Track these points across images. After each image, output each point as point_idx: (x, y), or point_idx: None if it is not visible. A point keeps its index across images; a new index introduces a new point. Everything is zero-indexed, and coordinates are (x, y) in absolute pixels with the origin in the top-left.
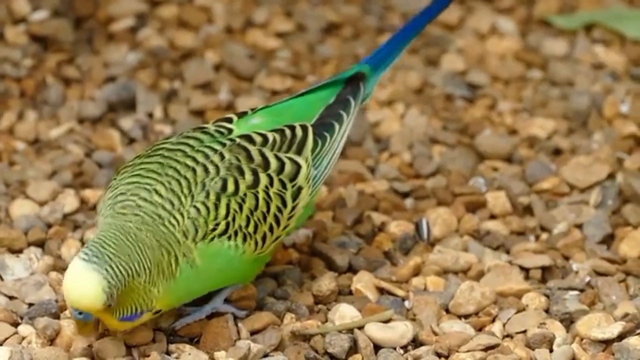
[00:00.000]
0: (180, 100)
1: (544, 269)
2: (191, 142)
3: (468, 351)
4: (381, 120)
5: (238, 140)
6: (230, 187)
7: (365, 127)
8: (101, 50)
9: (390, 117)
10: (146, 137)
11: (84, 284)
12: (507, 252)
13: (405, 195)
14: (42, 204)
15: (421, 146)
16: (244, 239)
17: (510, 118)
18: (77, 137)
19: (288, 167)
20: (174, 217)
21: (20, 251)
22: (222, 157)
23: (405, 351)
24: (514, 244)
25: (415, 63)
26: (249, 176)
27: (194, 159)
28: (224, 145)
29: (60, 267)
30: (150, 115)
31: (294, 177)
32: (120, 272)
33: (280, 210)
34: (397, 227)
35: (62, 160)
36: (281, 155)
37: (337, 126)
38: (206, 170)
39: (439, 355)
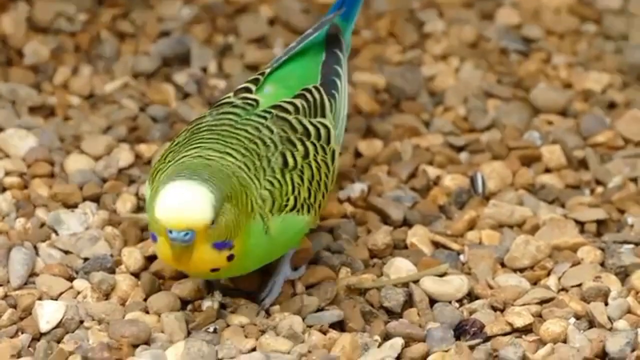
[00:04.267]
0: (234, 55)
1: (599, 223)
2: (231, 117)
3: (523, 305)
4: (436, 75)
5: (274, 111)
6: (290, 162)
7: (420, 81)
8: (155, 4)
9: (445, 71)
10: (200, 92)
11: (193, 198)
12: (562, 205)
13: (460, 149)
14: (97, 158)
15: (476, 100)
16: (308, 210)
17: (565, 72)
18: (132, 91)
19: (322, 131)
20: (251, 178)
21: (75, 206)
22: (271, 130)
23: (461, 305)
24: (569, 198)
25: (470, 17)
26: (300, 147)
27: (248, 132)
28: (264, 118)
29: (115, 221)
30: (205, 70)
31: (328, 141)
32: (219, 189)
33: (327, 176)
34: (452, 181)
35: (117, 114)
36: (313, 121)
37: (339, 82)
38: (265, 144)
39: (494, 308)
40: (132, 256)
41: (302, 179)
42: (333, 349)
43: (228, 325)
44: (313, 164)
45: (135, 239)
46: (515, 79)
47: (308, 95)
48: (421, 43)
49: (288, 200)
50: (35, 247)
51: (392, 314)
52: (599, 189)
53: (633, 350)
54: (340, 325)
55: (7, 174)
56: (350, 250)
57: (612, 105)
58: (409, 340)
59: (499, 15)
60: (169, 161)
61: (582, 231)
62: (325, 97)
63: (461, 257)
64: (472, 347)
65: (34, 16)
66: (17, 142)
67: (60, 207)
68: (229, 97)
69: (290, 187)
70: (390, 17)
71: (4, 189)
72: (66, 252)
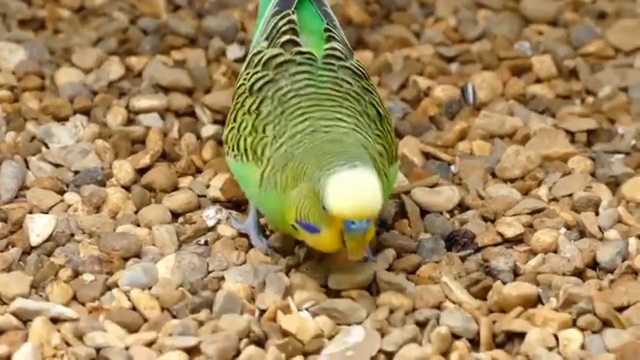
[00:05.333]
0: None
1: (590, 132)
2: (306, 77)
3: (514, 215)
4: None
5: (335, 62)
6: (381, 110)
7: None
8: None
9: None
10: (191, 4)
11: (373, 187)
12: (553, 115)
13: (450, 59)
14: (87, 71)
15: (466, 11)
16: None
17: None
18: (122, 4)
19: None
20: (367, 139)
21: (65, 119)
22: (349, 82)
23: (452, 215)
24: (560, 108)
25: None
26: (374, 93)
27: (335, 90)
28: (333, 71)
29: (106, 134)
30: None
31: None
32: (374, 168)
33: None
34: (443, 91)
35: (107, 27)
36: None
37: (330, 11)
38: (355, 99)
39: (485, 219)
40: (123, 169)
41: (389, 125)
42: (323, 262)
43: (219, 238)
44: (383, 107)
45: (125, 151)
46: None
47: (336, 36)
48: None
49: (393, 149)
50: (25, 161)
51: (383, 226)
52: (590, 99)
53: (624, 260)
54: None
55: None
56: None
57: (602, 15)
58: (400, 252)
59: None
60: (276, 136)
61: (572, 141)
62: (340, 32)
63: (452, 167)
64: (463, 258)
65: None
66: (7, 56)
67: (51, 120)
68: (281, 53)
69: (389, 136)
70: None
71: None
72: (57, 166)
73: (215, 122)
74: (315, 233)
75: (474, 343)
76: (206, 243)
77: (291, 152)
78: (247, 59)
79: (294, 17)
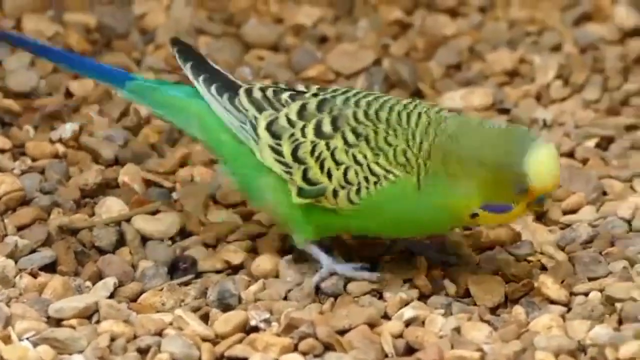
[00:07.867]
0: None
1: None
2: (342, 96)
3: (236, 240)
4: (147, 12)
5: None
6: None
7: (130, 19)
8: None
9: (155, 8)
10: None
11: (558, 158)
12: None
13: None
14: None
15: (187, 37)
16: None
17: (276, 7)
18: None
19: None
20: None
21: None
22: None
23: (174, 242)
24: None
25: None
26: None
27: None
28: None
29: None
30: None
31: None
32: None
33: None
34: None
35: None
36: None
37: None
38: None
39: (206, 245)
40: None
41: None
42: (44, 292)
43: None
44: None
45: None
46: (226, 15)
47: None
48: None
49: None
50: None
51: (104, 253)
52: None
53: (345, 284)
54: (52, 267)
55: None
56: (61, 190)
57: (323, 39)
58: (122, 279)
59: None
60: (408, 140)
61: None
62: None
63: (174, 194)
64: (184, 284)
65: None
66: None
67: None
68: (305, 103)
69: None
70: None
71: None
72: None
73: None
74: (507, 212)
75: None
76: None
77: (440, 144)
78: (257, 132)
79: (257, 85)
